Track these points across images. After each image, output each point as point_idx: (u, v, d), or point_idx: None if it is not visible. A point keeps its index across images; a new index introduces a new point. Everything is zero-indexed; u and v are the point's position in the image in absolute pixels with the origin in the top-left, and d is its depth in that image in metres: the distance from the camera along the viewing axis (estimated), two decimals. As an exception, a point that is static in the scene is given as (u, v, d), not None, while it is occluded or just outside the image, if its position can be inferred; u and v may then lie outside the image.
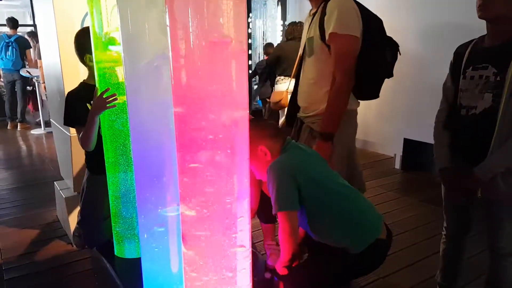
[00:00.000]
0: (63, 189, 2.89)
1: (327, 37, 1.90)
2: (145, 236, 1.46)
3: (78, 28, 2.32)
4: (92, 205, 2.17)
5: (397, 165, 4.49)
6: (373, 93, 2.09)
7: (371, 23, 1.96)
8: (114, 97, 1.62)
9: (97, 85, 1.71)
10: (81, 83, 2.11)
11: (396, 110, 4.66)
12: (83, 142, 1.91)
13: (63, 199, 2.75)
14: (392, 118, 4.75)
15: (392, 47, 2.06)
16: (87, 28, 1.65)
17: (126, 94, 1.35)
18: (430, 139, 4.00)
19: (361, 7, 1.95)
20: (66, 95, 2.10)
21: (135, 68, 1.31)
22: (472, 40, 1.71)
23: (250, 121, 1.79)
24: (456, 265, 1.96)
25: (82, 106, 2.00)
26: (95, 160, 2.04)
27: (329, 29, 1.88)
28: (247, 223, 1.04)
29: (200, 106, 0.91)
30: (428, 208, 3.37)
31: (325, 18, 1.90)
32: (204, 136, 0.92)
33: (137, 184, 1.44)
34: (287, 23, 6.48)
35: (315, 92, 2.03)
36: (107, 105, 1.63)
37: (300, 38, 4.36)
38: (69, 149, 2.59)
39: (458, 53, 1.75)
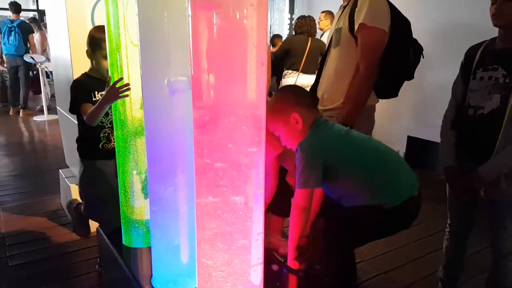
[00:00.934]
0: (69, 177, 2.91)
1: (356, 28, 1.93)
2: (156, 225, 1.48)
3: (88, 16, 2.33)
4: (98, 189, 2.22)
5: (401, 162, 4.49)
6: (391, 92, 2.15)
7: (400, 22, 2.00)
8: (127, 87, 1.63)
9: (109, 74, 1.72)
10: (83, 74, 2.14)
11: (401, 107, 4.66)
12: (88, 120, 1.97)
13: (69, 187, 2.76)
14: (397, 115, 4.76)
15: (416, 49, 2.10)
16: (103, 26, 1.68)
17: (141, 83, 1.35)
18: (433, 138, 4.03)
19: (392, 6, 1.99)
20: (71, 83, 2.12)
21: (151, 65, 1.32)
22: (483, 42, 1.74)
23: (285, 87, 1.74)
24: (459, 262, 2.00)
25: (87, 94, 2.07)
26: (89, 147, 2.17)
27: (359, 20, 1.91)
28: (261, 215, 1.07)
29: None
30: (431, 205, 3.38)
31: (356, 10, 1.94)
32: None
33: (150, 174, 1.45)
34: (294, 16, 6.44)
35: (337, 83, 2.06)
36: (120, 94, 1.65)
37: (309, 32, 4.39)
38: (75, 137, 2.60)
39: (469, 54, 1.77)
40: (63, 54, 2.56)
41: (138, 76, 1.41)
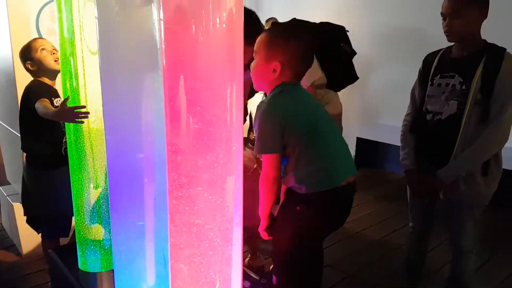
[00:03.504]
0: (10, 195, 2.68)
1: None
2: (119, 248, 1.38)
3: (33, 19, 2.17)
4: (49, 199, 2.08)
5: (351, 164, 4.60)
6: (340, 83, 2.31)
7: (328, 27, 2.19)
8: (85, 115, 1.52)
9: (62, 83, 1.60)
10: (35, 80, 1.99)
11: (350, 110, 4.80)
12: (41, 113, 1.86)
13: (11, 206, 2.54)
14: (345, 118, 4.88)
15: (348, 43, 2.35)
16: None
17: (102, 95, 1.25)
18: (382, 138, 4.17)
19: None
20: (27, 90, 2.00)
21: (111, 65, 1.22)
22: (440, 50, 1.81)
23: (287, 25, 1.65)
24: (421, 259, 2.07)
25: (46, 95, 1.97)
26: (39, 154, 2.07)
27: None
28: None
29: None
30: (384, 204, 3.50)
31: None
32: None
33: (110, 192, 1.35)
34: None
35: None
36: (76, 119, 1.53)
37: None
38: (18, 151, 2.40)
39: (427, 61, 1.83)
40: (5, 61, 2.36)
41: (96, 86, 1.31)
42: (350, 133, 4.68)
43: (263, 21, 5.02)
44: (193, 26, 0.84)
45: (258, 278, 1.58)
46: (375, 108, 4.53)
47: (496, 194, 1.75)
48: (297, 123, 1.42)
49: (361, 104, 4.66)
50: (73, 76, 1.49)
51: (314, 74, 2.12)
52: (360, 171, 4.63)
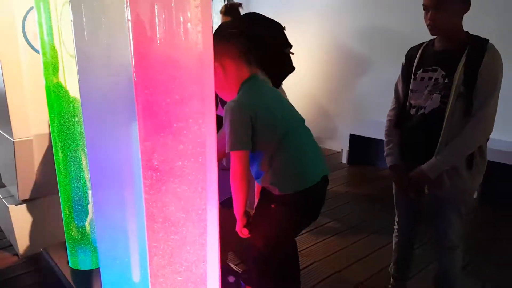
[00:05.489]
0: (6, 197, 2.71)
1: None
2: (104, 245, 1.41)
3: (19, 23, 2.18)
4: None
5: (344, 160, 4.63)
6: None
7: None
8: None
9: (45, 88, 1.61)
10: None
11: (343, 106, 4.83)
12: None
13: (7, 208, 2.57)
14: (339, 115, 4.91)
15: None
16: None
17: (80, 93, 1.27)
18: (375, 135, 4.18)
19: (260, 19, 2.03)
20: None
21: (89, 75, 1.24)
22: (423, 43, 1.80)
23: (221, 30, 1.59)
24: (408, 257, 2.06)
25: None
26: None
27: None
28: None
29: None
30: (375, 201, 3.51)
31: None
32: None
33: (93, 189, 1.38)
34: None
35: None
36: None
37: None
38: (11, 155, 2.44)
39: (409, 55, 1.83)
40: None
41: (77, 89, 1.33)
42: (343, 130, 4.71)
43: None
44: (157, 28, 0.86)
45: (240, 272, 1.60)
46: (368, 104, 4.54)
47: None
48: (267, 118, 1.45)
49: (354, 101, 4.68)
50: (56, 78, 1.52)
51: None
52: (353, 168, 4.67)
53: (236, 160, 1.44)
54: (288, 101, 1.65)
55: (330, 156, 4.88)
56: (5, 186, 2.91)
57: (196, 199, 0.99)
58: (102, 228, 1.40)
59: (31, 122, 2.38)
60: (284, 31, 2.03)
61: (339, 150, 4.80)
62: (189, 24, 0.87)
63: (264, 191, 1.55)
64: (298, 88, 5.18)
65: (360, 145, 4.48)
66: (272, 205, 1.50)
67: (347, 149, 4.61)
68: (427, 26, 1.66)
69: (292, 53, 2.02)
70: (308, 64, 4.99)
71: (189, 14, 0.86)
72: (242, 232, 1.55)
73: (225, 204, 1.92)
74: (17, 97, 2.29)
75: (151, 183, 0.98)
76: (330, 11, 4.73)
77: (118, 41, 1.14)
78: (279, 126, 1.47)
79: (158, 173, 0.96)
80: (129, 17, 0.90)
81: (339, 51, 4.71)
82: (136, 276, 1.42)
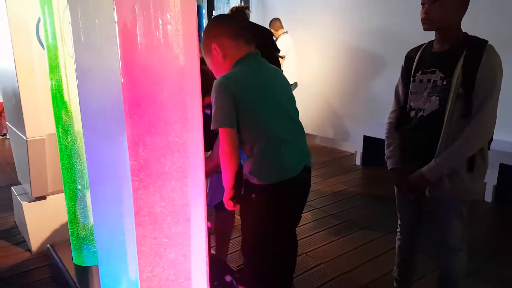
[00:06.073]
0: (21, 194, 2.81)
1: None
2: (101, 242, 1.45)
3: (33, 28, 2.26)
4: None
5: (358, 162, 4.60)
6: None
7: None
8: None
9: (51, 89, 1.68)
10: None
11: (356, 108, 4.79)
12: None
13: (21, 204, 2.67)
14: (352, 116, 4.88)
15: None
16: None
17: (78, 93, 1.32)
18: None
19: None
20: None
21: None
22: (422, 45, 1.77)
23: (216, 16, 1.59)
24: (411, 260, 2.03)
25: None
26: None
27: None
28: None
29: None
30: (387, 203, 3.46)
31: None
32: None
33: (91, 183, 1.42)
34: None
35: None
36: None
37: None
38: (25, 153, 2.52)
39: (409, 57, 1.81)
40: (9, 69, 2.48)
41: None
42: (357, 132, 4.67)
43: (268, 20, 5.10)
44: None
45: (234, 269, 1.62)
46: (381, 106, 4.49)
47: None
48: (251, 96, 1.44)
49: (368, 103, 4.64)
50: (59, 80, 1.57)
51: None
52: (367, 170, 4.61)
53: (223, 137, 1.45)
54: (287, 88, 1.62)
55: (344, 158, 4.86)
56: (20, 184, 3.02)
57: (180, 197, 1.02)
58: (99, 225, 1.44)
59: (44, 122, 2.46)
60: (273, 37, 2.05)
61: (353, 152, 4.78)
62: (169, 26, 0.89)
63: (245, 181, 1.56)
64: (311, 90, 5.19)
65: (374, 146, 4.45)
66: (253, 195, 1.50)
67: (361, 151, 4.58)
68: (421, 20, 1.62)
69: (282, 57, 2.06)
70: (321, 66, 4.98)
71: (168, 16, 0.89)
72: (228, 204, 1.55)
73: (219, 207, 1.95)
74: (31, 98, 2.37)
75: (138, 182, 1.01)
76: (343, 12, 4.71)
77: (110, 43, 1.17)
78: (262, 110, 1.46)
79: (143, 173, 0.99)
80: (116, 19, 0.93)
81: (353, 53, 4.68)
82: (132, 272, 1.46)
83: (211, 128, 1.43)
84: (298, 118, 1.61)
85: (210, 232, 2.27)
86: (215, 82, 1.44)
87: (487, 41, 1.59)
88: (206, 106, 1.61)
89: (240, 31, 1.52)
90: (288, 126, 1.54)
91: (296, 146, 1.56)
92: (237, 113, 1.43)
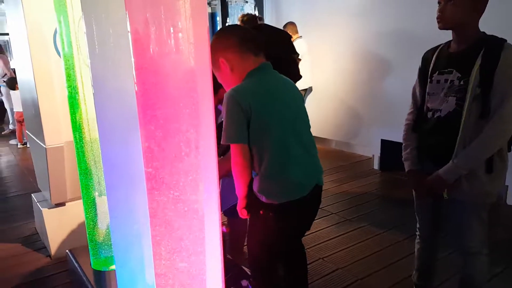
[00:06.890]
0: (41, 201, 2.86)
1: None
2: (118, 246, 1.47)
3: (50, 38, 2.31)
4: None
5: (376, 166, 4.55)
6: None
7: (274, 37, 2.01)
8: None
9: (68, 98, 1.71)
10: None
11: (373, 112, 4.74)
12: None
13: (41, 211, 2.72)
14: (369, 120, 4.83)
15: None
16: None
17: (94, 103, 1.34)
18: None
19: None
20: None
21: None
22: (439, 46, 1.76)
23: (222, 28, 1.62)
24: (431, 264, 2.00)
25: None
26: None
27: None
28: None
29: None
30: (406, 207, 3.42)
31: None
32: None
33: (107, 189, 1.44)
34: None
35: None
36: None
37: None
38: (45, 161, 2.57)
39: (425, 58, 1.79)
40: (28, 78, 2.54)
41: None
42: (374, 136, 4.63)
43: (281, 25, 5.10)
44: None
45: (249, 274, 1.62)
46: (399, 109, 4.44)
47: None
48: (260, 111, 1.41)
49: (385, 106, 4.59)
50: (76, 89, 1.60)
51: None
52: (385, 174, 4.55)
53: (234, 152, 1.44)
54: (299, 101, 1.59)
55: (361, 162, 4.81)
56: (40, 191, 3.08)
57: (195, 201, 1.02)
58: (116, 230, 1.46)
59: (62, 130, 2.50)
60: (291, 40, 2.04)
61: (371, 156, 4.73)
62: (180, 34, 0.90)
63: (254, 196, 1.54)
64: (327, 93, 5.16)
65: (392, 150, 4.39)
66: (261, 212, 1.49)
67: (379, 154, 4.53)
68: (437, 19, 1.61)
69: (300, 60, 2.03)
70: (337, 69, 4.96)
71: (179, 24, 0.90)
72: (242, 213, 1.54)
73: (230, 214, 1.95)
74: (49, 106, 2.42)
75: (153, 186, 1.02)
76: (359, 14, 4.68)
77: (123, 52, 1.19)
78: (271, 126, 1.43)
79: (158, 177, 1.00)
80: (129, 29, 0.95)
81: (369, 55, 4.64)
82: (149, 277, 1.47)
83: (221, 143, 1.40)
84: (310, 133, 1.58)
85: (225, 237, 2.28)
86: (225, 95, 1.42)
87: (505, 40, 1.57)
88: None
89: (245, 42, 1.49)
90: (299, 142, 1.50)
91: (307, 164, 1.53)
92: (248, 126, 1.41)
